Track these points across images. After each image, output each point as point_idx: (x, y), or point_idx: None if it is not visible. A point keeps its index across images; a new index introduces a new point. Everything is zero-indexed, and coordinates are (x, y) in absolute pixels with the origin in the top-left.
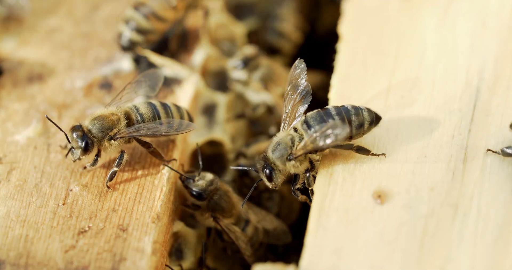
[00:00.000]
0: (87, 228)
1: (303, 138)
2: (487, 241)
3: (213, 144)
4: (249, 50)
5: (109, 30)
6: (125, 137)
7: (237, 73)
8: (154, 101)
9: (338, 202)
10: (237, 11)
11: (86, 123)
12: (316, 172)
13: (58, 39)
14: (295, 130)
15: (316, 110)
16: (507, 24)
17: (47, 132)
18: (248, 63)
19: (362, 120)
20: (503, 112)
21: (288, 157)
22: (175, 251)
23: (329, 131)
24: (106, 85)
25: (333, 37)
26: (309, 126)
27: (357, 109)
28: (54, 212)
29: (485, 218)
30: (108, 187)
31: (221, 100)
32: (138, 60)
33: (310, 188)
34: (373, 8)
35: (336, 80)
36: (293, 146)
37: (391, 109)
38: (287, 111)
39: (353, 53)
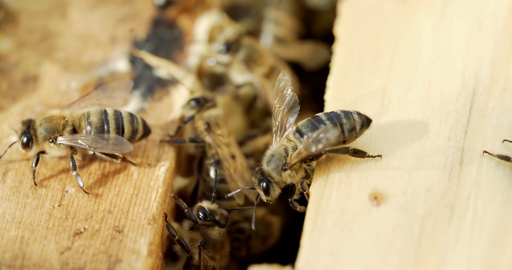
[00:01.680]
0: (82, 230)
1: (296, 148)
2: (483, 242)
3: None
4: (230, 32)
5: (105, 32)
6: (63, 144)
7: (222, 58)
8: (108, 110)
9: (334, 203)
10: (233, 12)
11: (38, 120)
12: (311, 181)
13: (54, 40)
14: (288, 140)
15: (307, 118)
16: (503, 26)
17: None
18: (231, 47)
19: (353, 124)
20: (499, 114)
21: (283, 167)
22: (171, 252)
23: (321, 136)
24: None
25: (329, 39)
26: (301, 134)
27: (347, 113)
28: (49, 213)
29: (481, 219)
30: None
31: (217, 101)
32: (134, 61)
33: (306, 192)
34: (369, 9)
35: (332, 82)
36: (287, 156)
37: (387, 111)
38: (277, 123)
39: (349, 55)
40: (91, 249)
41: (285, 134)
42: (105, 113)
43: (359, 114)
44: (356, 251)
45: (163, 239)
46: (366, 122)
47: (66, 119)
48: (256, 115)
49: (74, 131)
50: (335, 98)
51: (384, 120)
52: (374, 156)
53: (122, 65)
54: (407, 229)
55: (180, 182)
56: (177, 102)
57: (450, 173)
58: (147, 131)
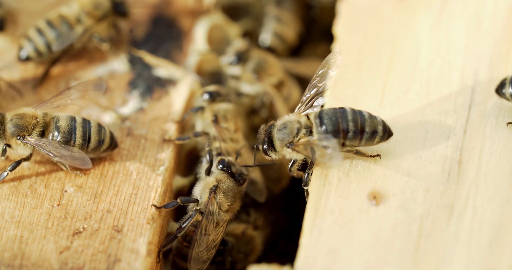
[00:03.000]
0: (81, 229)
1: (310, 130)
2: (482, 242)
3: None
4: (240, 44)
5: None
6: (29, 144)
7: (233, 69)
8: (77, 117)
9: (333, 203)
10: (232, 12)
11: (9, 115)
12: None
13: None
14: (307, 119)
15: (333, 107)
16: (502, 25)
17: None
18: (241, 57)
19: (374, 134)
20: (498, 113)
21: (288, 145)
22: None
23: (329, 151)
24: (100, 85)
25: (329, 38)
26: (321, 123)
27: (373, 120)
28: (48, 213)
29: (481, 219)
30: None
31: (231, 97)
32: (133, 61)
33: (306, 188)
34: (368, 9)
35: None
36: (297, 135)
37: (386, 110)
38: (308, 95)
39: (348, 54)
40: (90, 249)
41: (307, 111)
42: (74, 120)
43: (384, 126)
44: (355, 251)
45: (162, 239)
46: (387, 135)
47: (37, 120)
48: (257, 121)
49: (43, 133)
50: (334, 97)
51: (383, 119)
52: (374, 156)
53: (121, 64)
54: (406, 229)
55: (179, 181)
56: (176, 101)
57: (449, 173)
58: (114, 144)
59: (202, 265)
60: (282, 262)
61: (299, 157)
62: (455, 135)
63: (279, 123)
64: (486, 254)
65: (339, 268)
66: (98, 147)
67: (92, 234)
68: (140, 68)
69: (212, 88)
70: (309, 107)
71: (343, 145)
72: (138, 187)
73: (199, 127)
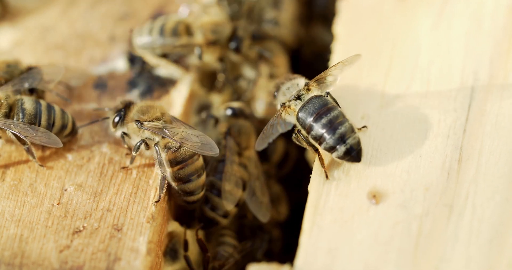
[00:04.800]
0: (81, 228)
1: (302, 100)
2: (482, 241)
3: None
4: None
5: (104, 30)
6: None
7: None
8: (42, 101)
9: (333, 201)
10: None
11: None
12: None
13: (53, 39)
14: (307, 91)
15: (330, 106)
16: (502, 25)
17: None
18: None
19: (345, 147)
20: (498, 112)
21: (281, 104)
22: (170, 251)
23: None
24: (100, 85)
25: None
26: (308, 105)
27: (350, 135)
28: (48, 211)
29: (480, 218)
30: None
31: (216, 100)
32: (133, 60)
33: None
34: (368, 8)
35: None
36: (290, 100)
37: (386, 110)
38: (330, 73)
39: (348, 53)
40: (90, 248)
41: (315, 84)
42: (39, 103)
43: (359, 150)
44: (355, 249)
45: (162, 238)
46: (352, 158)
47: (1, 101)
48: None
49: (8, 115)
50: (334, 96)
51: (383, 118)
52: (360, 128)
53: (121, 64)
54: (405, 228)
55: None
56: (176, 100)
57: (448, 172)
58: (74, 130)
59: (234, 201)
60: (282, 261)
61: (289, 117)
62: (455, 134)
63: (287, 81)
64: (486, 253)
65: (339, 266)
66: (61, 131)
67: (92, 233)
68: (140, 68)
69: (237, 105)
70: (321, 84)
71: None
72: (138, 186)
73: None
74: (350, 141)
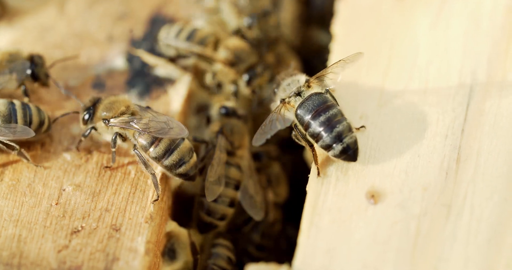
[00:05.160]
0: (80, 228)
1: (302, 97)
2: (480, 241)
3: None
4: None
5: (102, 30)
6: None
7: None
8: (16, 101)
9: (331, 201)
10: None
11: None
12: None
13: (51, 38)
14: (307, 88)
15: (329, 104)
16: (501, 25)
17: None
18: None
19: (342, 146)
20: (496, 112)
21: (280, 100)
22: (168, 251)
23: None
24: (99, 85)
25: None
26: (307, 102)
27: (347, 134)
28: (47, 212)
29: (478, 218)
30: None
31: (216, 101)
32: (131, 60)
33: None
34: (366, 8)
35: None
36: (290, 97)
37: (384, 109)
38: (331, 70)
39: (347, 53)
40: (89, 248)
41: (316, 81)
42: (12, 104)
43: (355, 150)
44: (353, 249)
45: (160, 238)
46: (347, 157)
47: None
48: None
49: None
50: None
51: (381, 118)
52: (359, 128)
53: (119, 63)
54: (404, 228)
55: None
56: (174, 100)
57: (447, 172)
58: (50, 125)
59: (215, 194)
60: (280, 261)
61: (287, 114)
62: (453, 134)
63: (286, 79)
64: (484, 252)
65: (337, 266)
66: (39, 128)
67: (90, 233)
68: (138, 67)
69: (231, 104)
70: (320, 79)
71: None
72: (136, 186)
73: (205, 134)
74: (347, 140)
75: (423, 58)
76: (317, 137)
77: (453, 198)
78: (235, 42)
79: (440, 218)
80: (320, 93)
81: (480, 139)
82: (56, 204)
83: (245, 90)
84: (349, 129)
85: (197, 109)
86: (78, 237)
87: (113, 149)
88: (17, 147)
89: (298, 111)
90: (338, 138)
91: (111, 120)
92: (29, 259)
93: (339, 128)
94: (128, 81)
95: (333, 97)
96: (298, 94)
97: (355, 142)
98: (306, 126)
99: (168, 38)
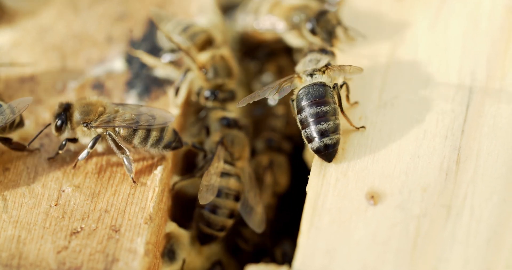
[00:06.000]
0: (79, 229)
1: (311, 80)
2: (479, 241)
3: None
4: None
5: (101, 31)
6: None
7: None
8: None
9: (331, 202)
10: (230, 12)
11: None
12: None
13: (50, 40)
14: (323, 72)
15: (327, 99)
16: (499, 25)
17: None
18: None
19: (319, 144)
20: (496, 113)
21: (296, 72)
22: (168, 252)
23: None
24: (98, 86)
25: None
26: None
27: (330, 135)
28: (46, 213)
29: (478, 218)
30: None
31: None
32: (130, 61)
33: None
34: (366, 8)
35: None
36: (303, 73)
37: (384, 110)
38: (352, 68)
39: (347, 54)
40: (88, 249)
41: (332, 68)
42: None
43: (331, 152)
44: (353, 250)
45: (160, 239)
46: (322, 157)
47: None
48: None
49: None
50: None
51: (381, 119)
52: (358, 128)
53: (118, 64)
54: (403, 228)
55: (176, 181)
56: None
57: (446, 172)
58: (22, 122)
59: (208, 197)
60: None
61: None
62: (453, 134)
63: (312, 57)
64: (484, 253)
65: (337, 267)
66: (11, 125)
67: (89, 234)
68: (137, 68)
69: (232, 115)
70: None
71: None
72: (136, 187)
73: (206, 144)
74: (326, 140)
75: (423, 58)
76: (303, 125)
77: (453, 199)
78: (225, 54)
79: (439, 218)
80: (324, 85)
81: (480, 140)
82: (56, 205)
83: (202, 99)
84: (334, 131)
85: (196, 110)
86: (78, 238)
87: (90, 150)
88: (13, 140)
89: (300, 92)
90: (320, 135)
91: (93, 123)
92: (29, 260)
93: (324, 126)
94: (128, 82)
95: (338, 93)
96: (311, 75)
97: (333, 144)
98: (299, 110)
99: (165, 28)
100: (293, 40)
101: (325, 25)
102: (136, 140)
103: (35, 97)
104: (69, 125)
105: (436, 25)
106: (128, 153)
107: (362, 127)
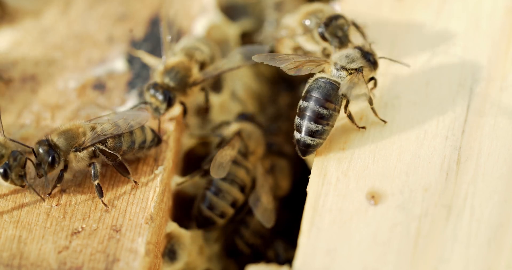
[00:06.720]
0: (80, 229)
1: (331, 75)
2: (480, 241)
3: (207, 145)
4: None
5: (102, 31)
6: None
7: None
8: None
9: (332, 202)
10: (230, 12)
11: None
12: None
13: (51, 40)
14: (348, 73)
15: (328, 105)
16: (500, 26)
17: (41, 132)
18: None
19: (299, 137)
20: (497, 113)
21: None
22: (168, 252)
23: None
24: (99, 86)
25: None
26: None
27: (313, 135)
28: (47, 213)
29: (479, 218)
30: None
31: (215, 100)
32: (131, 61)
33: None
34: (366, 8)
35: None
36: (333, 64)
37: (384, 110)
38: (373, 87)
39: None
40: (89, 249)
41: (361, 74)
42: None
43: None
44: (354, 250)
45: (161, 239)
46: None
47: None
48: None
49: None
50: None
51: (381, 117)
52: (360, 127)
53: (119, 64)
54: (404, 229)
55: (178, 181)
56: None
57: (447, 173)
58: None
59: (221, 172)
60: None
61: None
62: (454, 135)
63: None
64: (485, 253)
65: (338, 267)
66: None
67: (90, 234)
68: (138, 68)
69: (250, 113)
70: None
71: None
72: (137, 187)
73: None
74: (309, 139)
75: (423, 58)
76: (299, 111)
77: (454, 199)
78: (173, 61)
79: (440, 219)
80: (336, 88)
81: (480, 140)
82: (57, 205)
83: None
84: (320, 135)
85: (197, 109)
86: (79, 238)
87: (98, 180)
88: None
89: (316, 80)
90: (306, 132)
91: (82, 144)
92: (30, 260)
93: (313, 126)
94: (129, 82)
95: (347, 100)
96: (337, 70)
97: (313, 146)
98: (304, 97)
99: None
100: (306, 44)
101: (335, 31)
102: (124, 145)
103: (36, 97)
104: (61, 157)
105: (437, 26)
106: (120, 158)
107: (363, 127)
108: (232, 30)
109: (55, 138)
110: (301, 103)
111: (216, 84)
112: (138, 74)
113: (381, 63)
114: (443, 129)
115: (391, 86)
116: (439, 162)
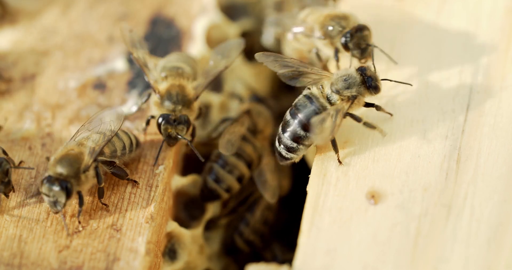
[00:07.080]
0: (81, 228)
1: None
2: (480, 241)
3: (207, 145)
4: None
5: (103, 31)
6: None
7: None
8: None
9: (332, 202)
10: (230, 12)
11: None
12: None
13: (52, 39)
14: (340, 99)
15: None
16: (500, 25)
17: (41, 132)
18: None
19: (277, 147)
20: (496, 113)
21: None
22: (169, 251)
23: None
24: (99, 85)
25: None
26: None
27: (288, 151)
28: (48, 212)
29: (479, 218)
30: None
31: (215, 100)
32: (132, 61)
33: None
34: (366, 8)
35: None
36: (331, 85)
37: (384, 110)
38: (365, 120)
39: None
40: (89, 248)
41: (349, 104)
42: None
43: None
44: (354, 250)
45: (161, 238)
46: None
47: None
48: None
49: None
50: None
51: (381, 119)
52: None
53: (120, 64)
54: (404, 228)
55: (178, 181)
56: None
57: (447, 172)
58: None
59: (230, 148)
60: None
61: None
62: (453, 134)
63: (343, 75)
64: (484, 253)
65: (338, 267)
66: None
67: (91, 233)
68: (139, 68)
69: (262, 95)
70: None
71: None
72: (137, 186)
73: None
74: (284, 151)
75: (423, 58)
76: (283, 123)
77: (453, 198)
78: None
79: (440, 218)
80: (324, 113)
81: (480, 140)
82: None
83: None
84: (294, 151)
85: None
86: (79, 237)
87: (103, 184)
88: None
89: (308, 98)
90: (283, 145)
91: (88, 165)
92: (30, 259)
93: (288, 143)
94: (129, 81)
95: (333, 126)
96: (332, 92)
97: (286, 158)
98: (291, 108)
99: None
100: (323, 48)
101: (359, 41)
102: (118, 149)
103: (36, 96)
104: (74, 186)
105: (437, 25)
106: (117, 162)
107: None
108: (232, 30)
109: (58, 169)
110: (287, 115)
111: (216, 84)
112: (139, 74)
113: (382, 64)
114: (443, 129)
115: (391, 86)
116: (439, 162)
